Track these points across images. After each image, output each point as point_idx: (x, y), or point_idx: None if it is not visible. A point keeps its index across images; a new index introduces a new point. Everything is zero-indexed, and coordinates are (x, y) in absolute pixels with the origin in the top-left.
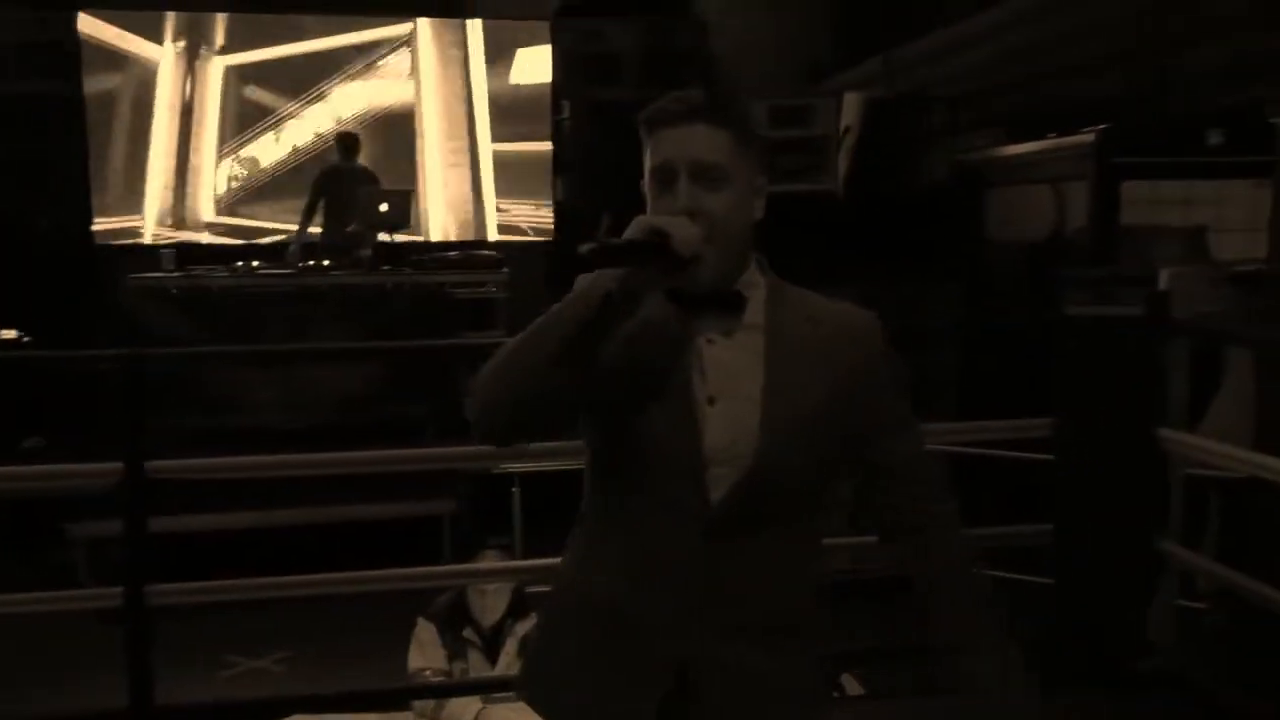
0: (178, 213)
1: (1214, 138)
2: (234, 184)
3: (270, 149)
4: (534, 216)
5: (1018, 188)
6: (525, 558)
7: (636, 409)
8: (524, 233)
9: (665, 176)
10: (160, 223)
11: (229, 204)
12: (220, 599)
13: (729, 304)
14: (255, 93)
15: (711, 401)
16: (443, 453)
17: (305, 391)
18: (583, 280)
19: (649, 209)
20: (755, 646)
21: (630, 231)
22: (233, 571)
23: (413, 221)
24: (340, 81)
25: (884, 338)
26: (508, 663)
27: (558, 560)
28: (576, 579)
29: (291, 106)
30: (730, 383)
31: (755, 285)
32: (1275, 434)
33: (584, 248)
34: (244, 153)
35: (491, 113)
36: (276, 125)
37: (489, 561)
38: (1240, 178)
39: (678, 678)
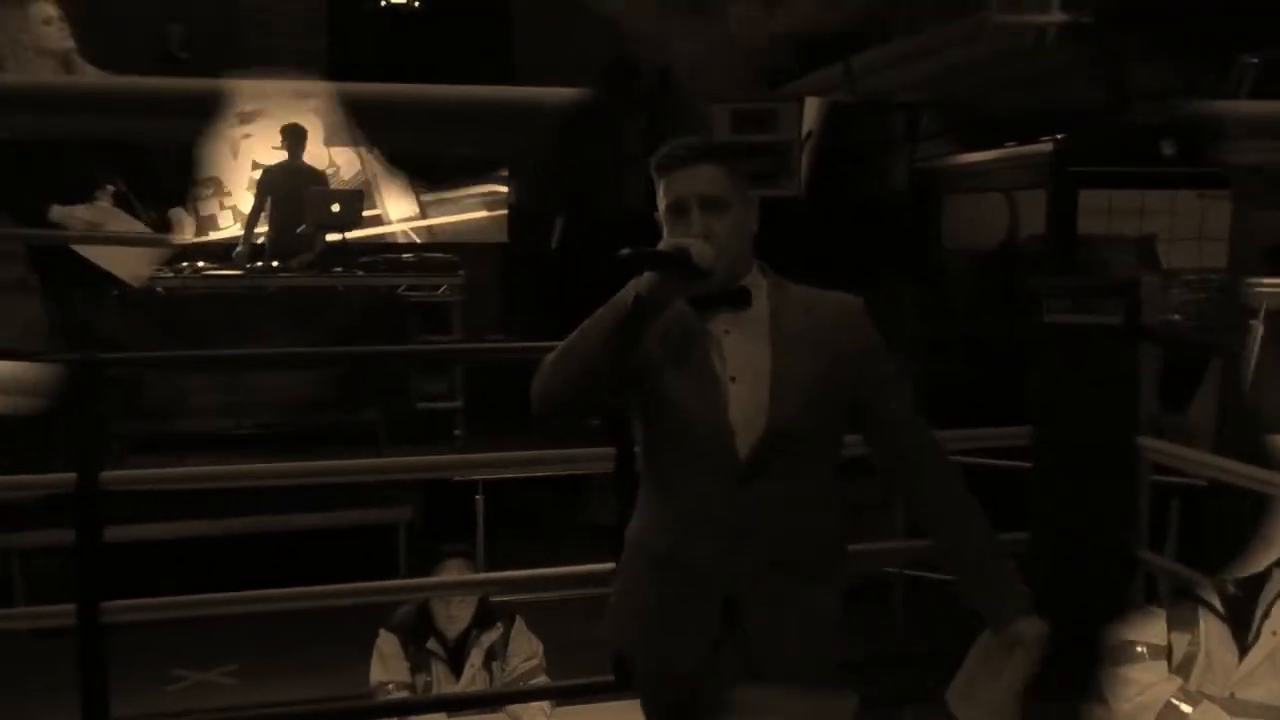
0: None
1: (1168, 148)
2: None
3: (228, 164)
4: None
5: (976, 195)
6: (489, 567)
7: (674, 390)
8: None
9: (679, 209)
10: None
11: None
12: (174, 616)
13: (737, 300)
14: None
15: (733, 380)
16: (403, 463)
17: (253, 396)
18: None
19: (666, 235)
20: (791, 577)
21: (661, 247)
22: (175, 580)
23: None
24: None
25: (870, 318)
26: (472, 675)
27: (524, 571)
28: (638, 538)
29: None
30: (745, 364)
31: (758, 285)
32: (1236, 439)
33: (623, 252)
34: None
35: None
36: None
37: (453, 572)
38: (1196, 188)
39: (726, 610)
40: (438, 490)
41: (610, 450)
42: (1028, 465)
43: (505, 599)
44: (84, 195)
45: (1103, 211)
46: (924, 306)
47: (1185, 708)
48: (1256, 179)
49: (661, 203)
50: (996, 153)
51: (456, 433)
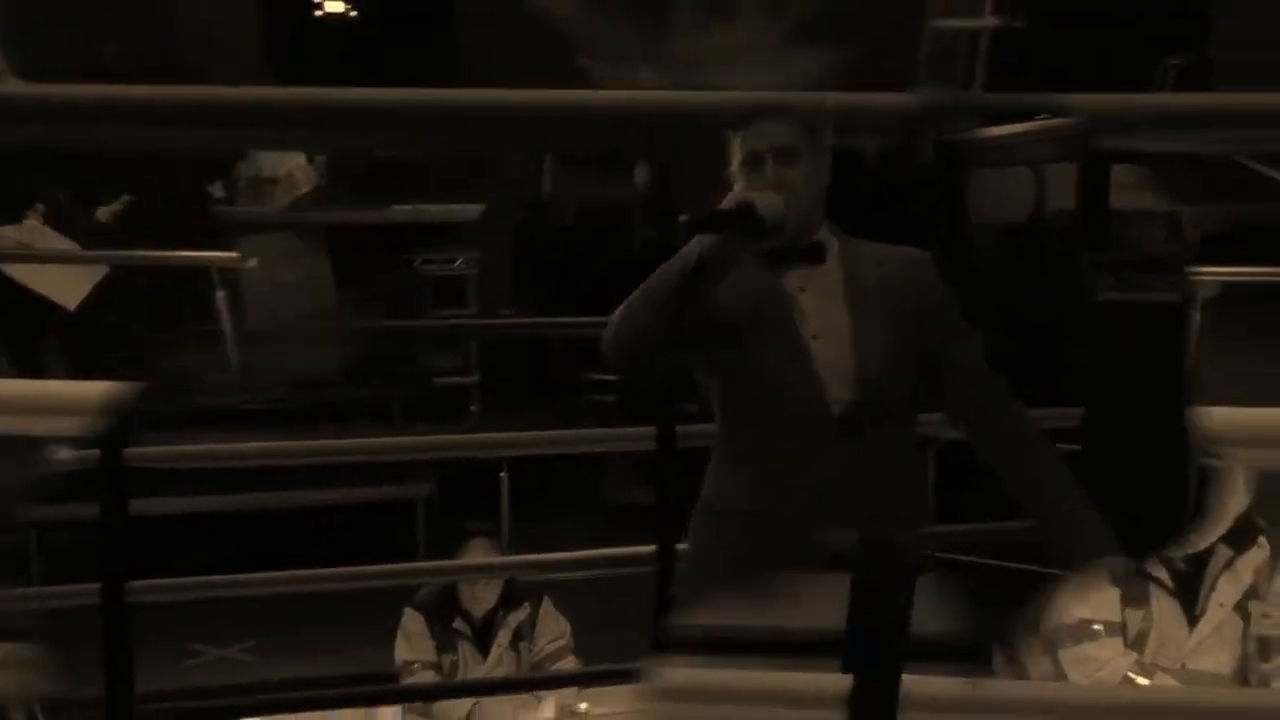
0: None
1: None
2: None
3: None
4: None
5: (1003, 169)
6: (514, 547)
7: (756, 348)
8: None
9: (754, 162)
10: None
11: None
12: (199, 596)
13: (811, 254)
14: None
15: (814, 338)
16: (427, 442)
17: (265, 372)
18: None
19: (737, 189)
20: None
21: (725, 203)
22: (188, 555)
23: None
24: None
25: (938, 270)
26: (499, 655)
27: (550, 554)
28: (717, 505)
29: None
30: (825, 322)
31: (830, 241)
32: None
33: (682, 218)
34: None
35: None
36: None
37: (478, 552)
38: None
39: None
40: (457, 465)
41: (630, 431)
42: (1077, 447)
43: (532, 578)
44: (16, 214)
45: (1132, 186)
46: (951, 280)
47: (1141, 680)
48: (1182, 170)
49: (735, 158)
50: (1024, 126)
51: (472, 408)
